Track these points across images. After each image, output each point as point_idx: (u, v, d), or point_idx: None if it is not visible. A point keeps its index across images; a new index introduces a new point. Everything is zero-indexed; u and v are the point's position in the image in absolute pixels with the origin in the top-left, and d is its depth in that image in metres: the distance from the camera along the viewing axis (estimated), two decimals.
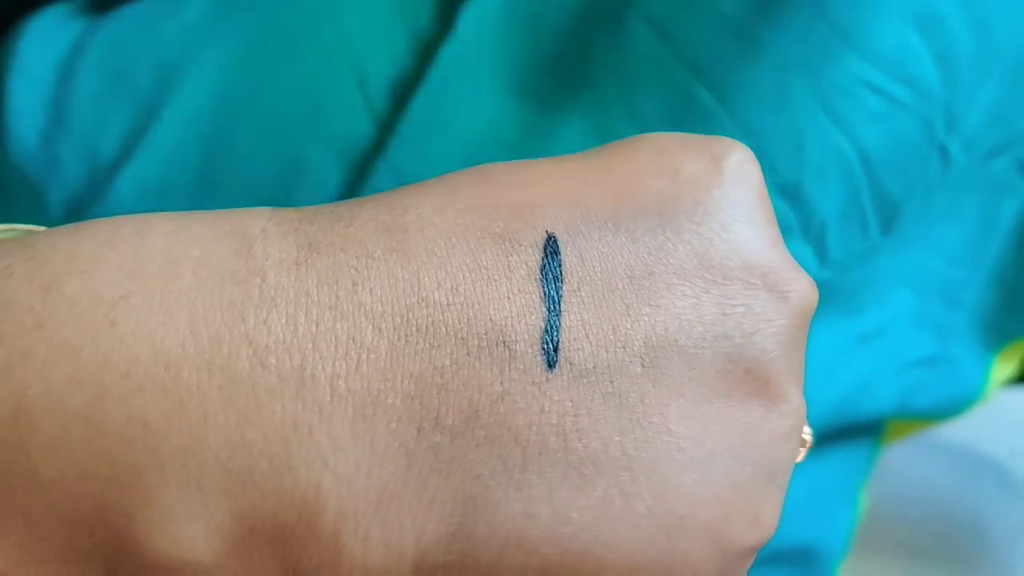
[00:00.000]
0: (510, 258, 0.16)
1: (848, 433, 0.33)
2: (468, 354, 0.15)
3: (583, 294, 0.16)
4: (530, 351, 0.16)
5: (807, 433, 0.19)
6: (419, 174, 0.24)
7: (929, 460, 0.56)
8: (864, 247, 0.29)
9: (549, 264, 0.16)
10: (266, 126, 0.25)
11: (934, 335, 0.33)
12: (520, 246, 0.16)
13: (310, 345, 0.15)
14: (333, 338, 0.15)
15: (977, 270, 0.33)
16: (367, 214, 0.17)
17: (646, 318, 0.16)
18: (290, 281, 0.15)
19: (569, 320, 0.16)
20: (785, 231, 0.27)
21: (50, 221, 0.25)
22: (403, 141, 0.24)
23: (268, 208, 0.17)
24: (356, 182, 0.24)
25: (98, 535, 0.14)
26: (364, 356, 0.15)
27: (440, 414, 0.15)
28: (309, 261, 0.16)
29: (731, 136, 0.26)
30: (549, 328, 0.16)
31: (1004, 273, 0.33)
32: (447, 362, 0.15)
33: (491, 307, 0.16)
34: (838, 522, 0.35)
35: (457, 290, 0.16)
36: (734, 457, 0.16)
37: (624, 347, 0.16)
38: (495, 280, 0.16)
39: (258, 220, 0.16)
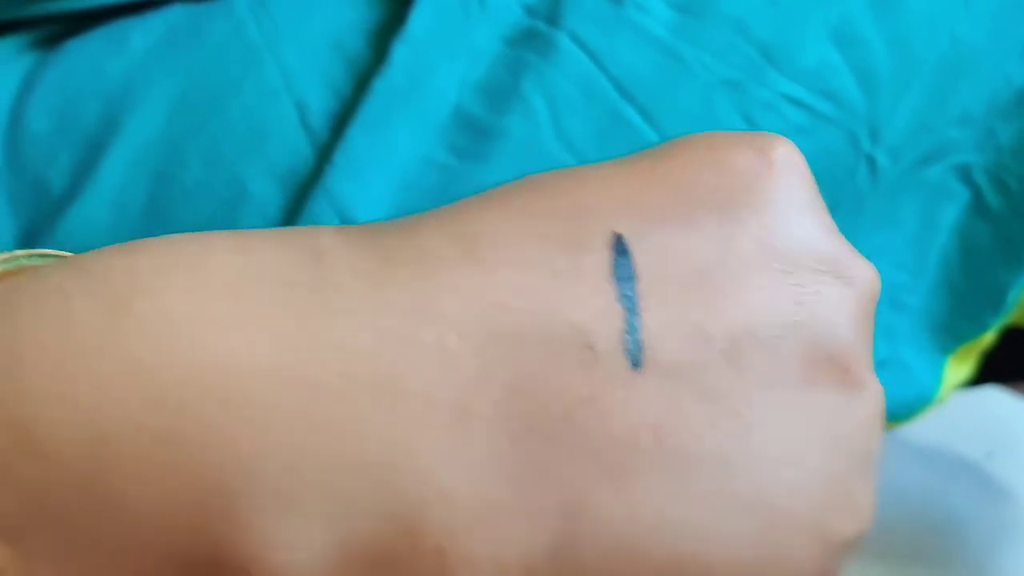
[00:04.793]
0: (581, 260, 0.16)
1: None
2: (553, 358, 0.15)
3: (658, 292, 0.16)
4: (614, 351, 0.15)
5: None
6: (353, 199, 0.25)
7: (905, 462, 0.56)
8: None
9: (620, 263, 0.16)
10: (211, 160, 0.26)
11: (882, 339, 0.34)
12: (589, 247, 0.16)
13: (398, 354, 0.14)
14: (420, 346, 0.14)
15: (922, 274, 0.33)
16: (434, 225, 0.16)
17: (724, 312, 0.16)
18: (368, 290, 0.15)
19: (648, 318, 0.16)
20: None
21: None
22: (339, 168, 0.25)
23: (330, 226, 0.17)
24: (295, 209, 0.25)
25: (190, 565, 0.14)
26: (452, 363, 0.15)
27: (532, 420, 0.15)
28: (385, 271, 0.15)
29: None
30: (630, 328, 0.16)
31: (950, 276, 0.34)
32: (534, 367, 0.15)
33: (570, 310, 0.15)
34: None
35: (535, 294, 0.15)
36: (825, 447, 0.16)
37: (706, 342, 0.16)
38: (571, 283, 0.16)
39: (324, 234, 0.16)
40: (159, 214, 0.26)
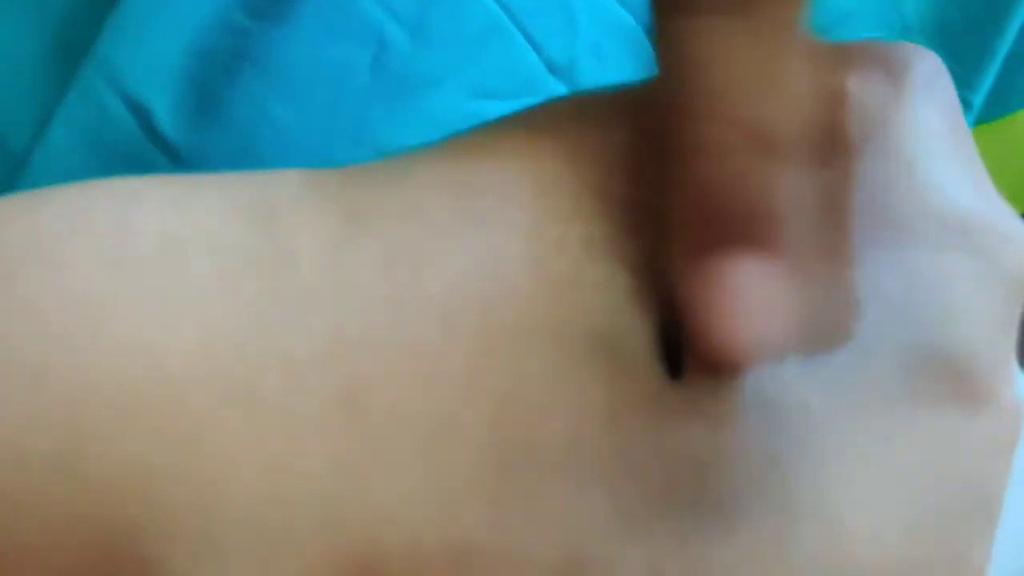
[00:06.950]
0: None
1: None
2: (567, 363, 0.11)
3: None
4: (645, 359, 0.12)
5: None
6: (131, 68, 0.22)
7: None
8: None
9: None
10: None
11: None
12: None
13: (360, 355, 0.11)
14: (391, 344, 0.11)
15: None
16: (429, 170, 0.12)
17: (804, 297, 0.11)
18: (331, 267, 0.11)
19: None
20: None
21: None
22: (113, 35, 0.22)
23: (297, 170, 0.13)
24: (65, 82, 0.22)
25: None
26: (433, 368, 0.11)
27: (532, 444, 0.11)
28: (355, 238, 0.12)
29: (490, 19, 0.24)
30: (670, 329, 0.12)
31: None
32: (539, 373, 0.11)
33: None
34: None
35: (547, 274, 0.12)
36: (925, 485, 0.12)
37: (775, 340, 0.11)
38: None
39: (286, 185, 0.12)
40: None
